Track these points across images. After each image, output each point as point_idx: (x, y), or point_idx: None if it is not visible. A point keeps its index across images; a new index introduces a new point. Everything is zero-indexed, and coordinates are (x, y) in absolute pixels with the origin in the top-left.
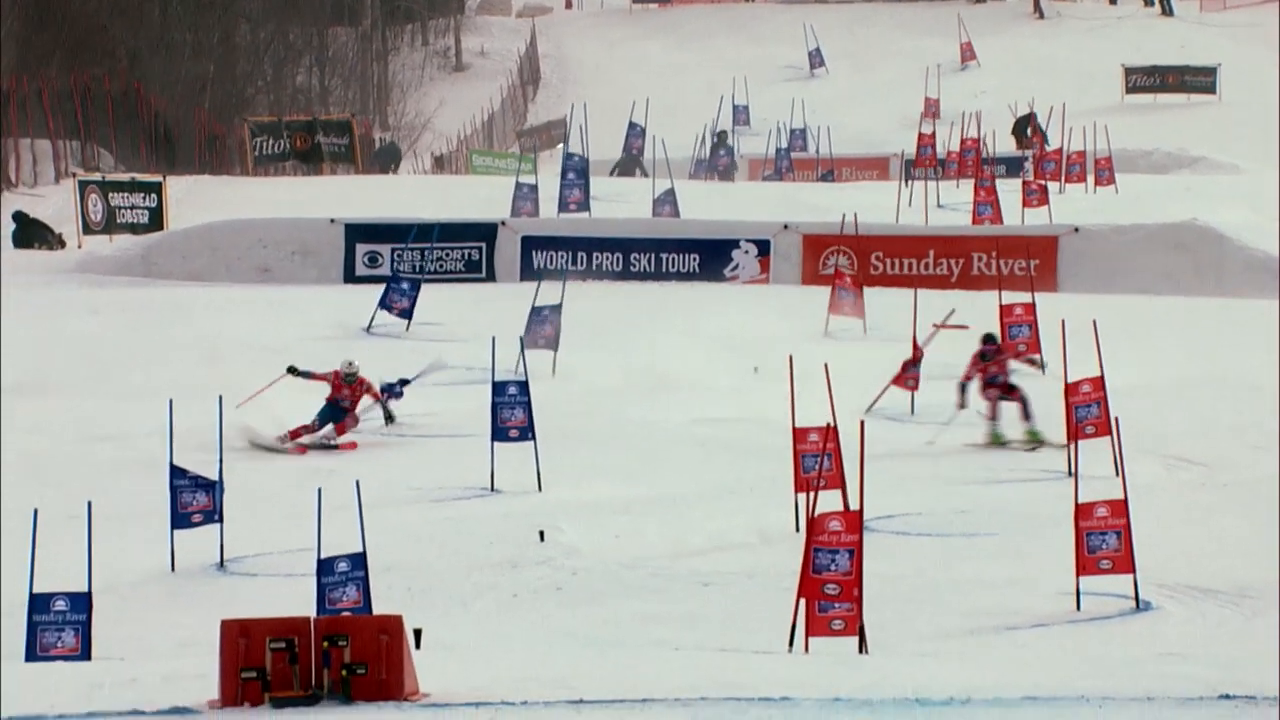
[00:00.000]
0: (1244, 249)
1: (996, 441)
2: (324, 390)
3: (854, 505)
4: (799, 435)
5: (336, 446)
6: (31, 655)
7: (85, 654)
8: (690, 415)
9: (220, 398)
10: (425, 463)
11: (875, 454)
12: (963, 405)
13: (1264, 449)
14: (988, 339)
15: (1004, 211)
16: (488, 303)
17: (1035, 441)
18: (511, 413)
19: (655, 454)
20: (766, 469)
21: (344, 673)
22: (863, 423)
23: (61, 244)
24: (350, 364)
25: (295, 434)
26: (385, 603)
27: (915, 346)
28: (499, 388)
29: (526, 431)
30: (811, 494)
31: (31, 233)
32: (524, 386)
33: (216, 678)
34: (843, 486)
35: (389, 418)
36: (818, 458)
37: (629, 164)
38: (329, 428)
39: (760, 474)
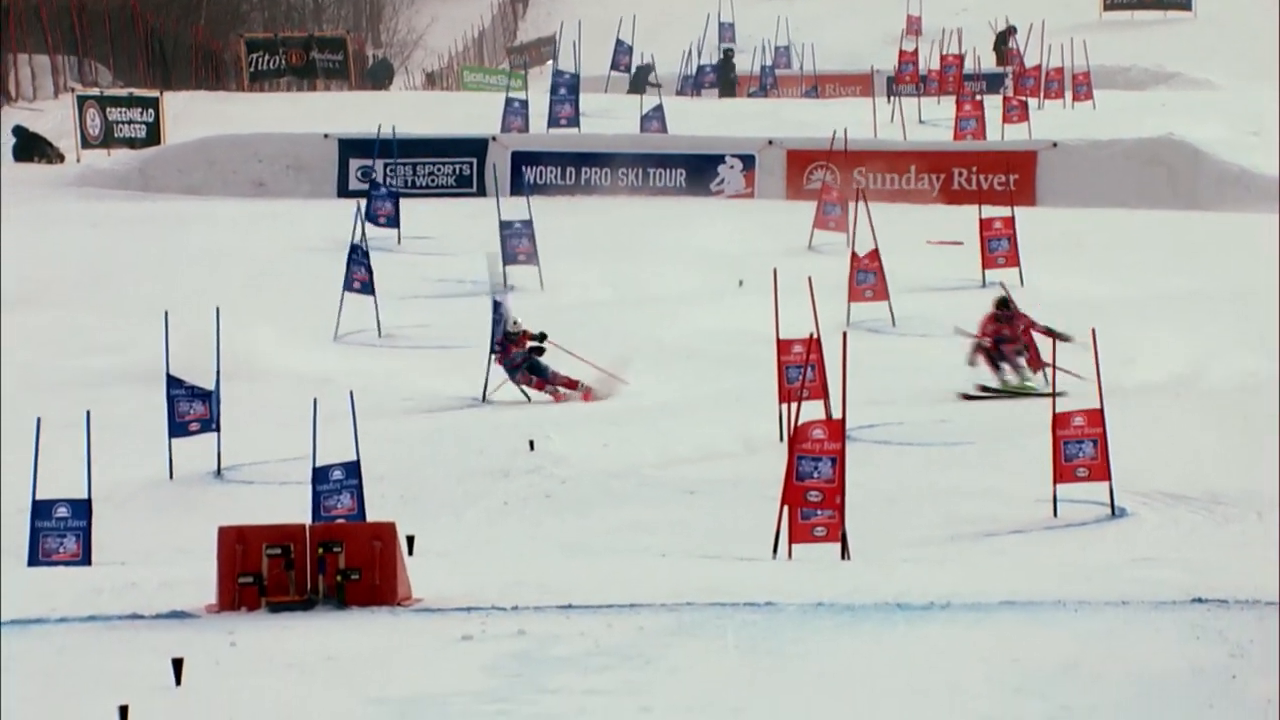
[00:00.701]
0: (1219, 163)
1: (1009, 389)
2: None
3: (836, 415)
4: (783, 347)
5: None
6: (34, 560)
7: (86, 559)
8: (676, 327)
9: (217, 309)
10: (418, 373)
11: (857, 365)
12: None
13: (1233, 355)
14: (1001, 304)
15: (986, 127)
16: (479, 217)
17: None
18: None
19: (643, 365)
20: (751, 380)
21: (339, 578)
22: (845, 334)
23: (60, 158)
24: (515, 322)
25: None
26: (379, 510)
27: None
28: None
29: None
30: (795, 404)
31: (31, 147)
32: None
33: (214, 583)
34: (825, 397)
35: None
36: (801, 369)
37: (639, 82)
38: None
39: (745, 385)
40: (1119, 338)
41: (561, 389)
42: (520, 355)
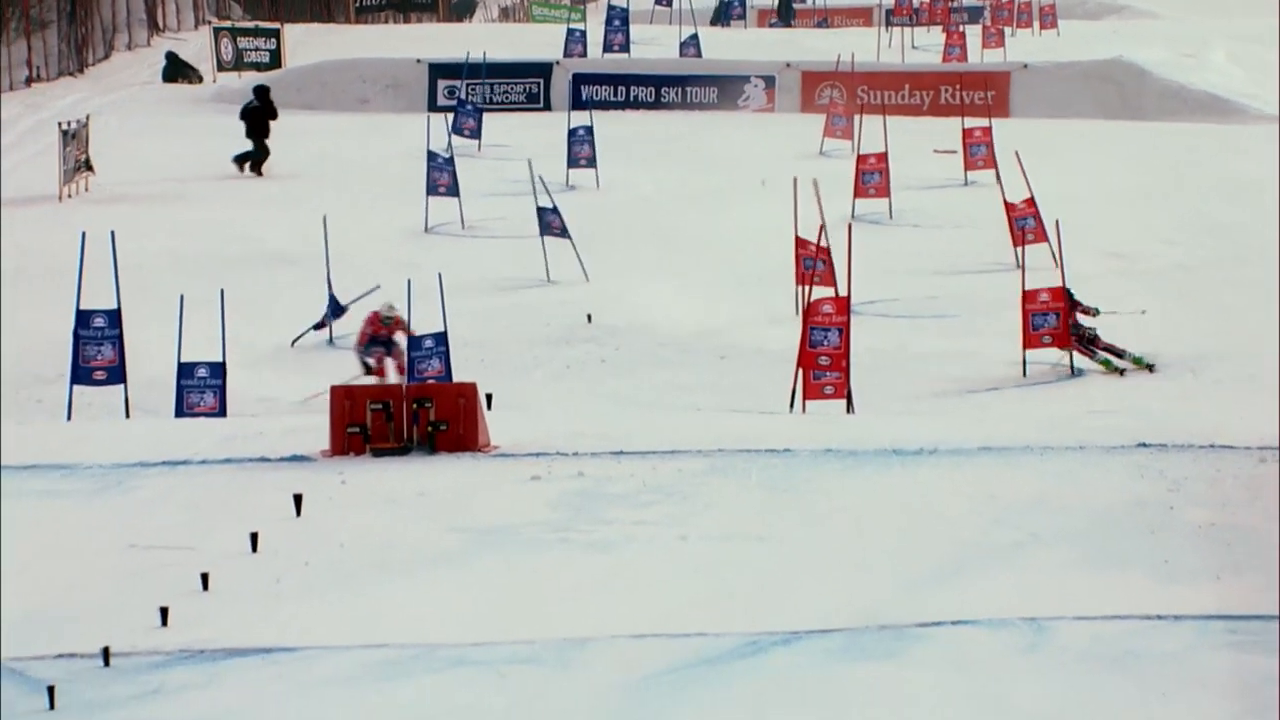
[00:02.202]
0: (1160, 80)
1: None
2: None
3: (843, 292)
4: (800, 243)
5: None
6: (179, 412)
7: (222, 411)
8: (710, 220)
9: (324, 216)
10: (493, 258)
11: (861, 251)
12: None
13: (1171, 243)
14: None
15: (968, 51)
16: (544, 128)
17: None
18: (554, 216)
19: (683, 251)
20: (773, 263)
21: (429, 429)
22: (850, 225)
23: (200, 79)
24: (390, 307)
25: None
26: (463, 372)
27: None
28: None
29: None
30: (808, 286)
31: (178, 70)
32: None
33: (328, 432)
34: (833, 279)
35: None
36: (813, 262)
37: (719, 17)
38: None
39: (768, 268)
40: (1078, 225)
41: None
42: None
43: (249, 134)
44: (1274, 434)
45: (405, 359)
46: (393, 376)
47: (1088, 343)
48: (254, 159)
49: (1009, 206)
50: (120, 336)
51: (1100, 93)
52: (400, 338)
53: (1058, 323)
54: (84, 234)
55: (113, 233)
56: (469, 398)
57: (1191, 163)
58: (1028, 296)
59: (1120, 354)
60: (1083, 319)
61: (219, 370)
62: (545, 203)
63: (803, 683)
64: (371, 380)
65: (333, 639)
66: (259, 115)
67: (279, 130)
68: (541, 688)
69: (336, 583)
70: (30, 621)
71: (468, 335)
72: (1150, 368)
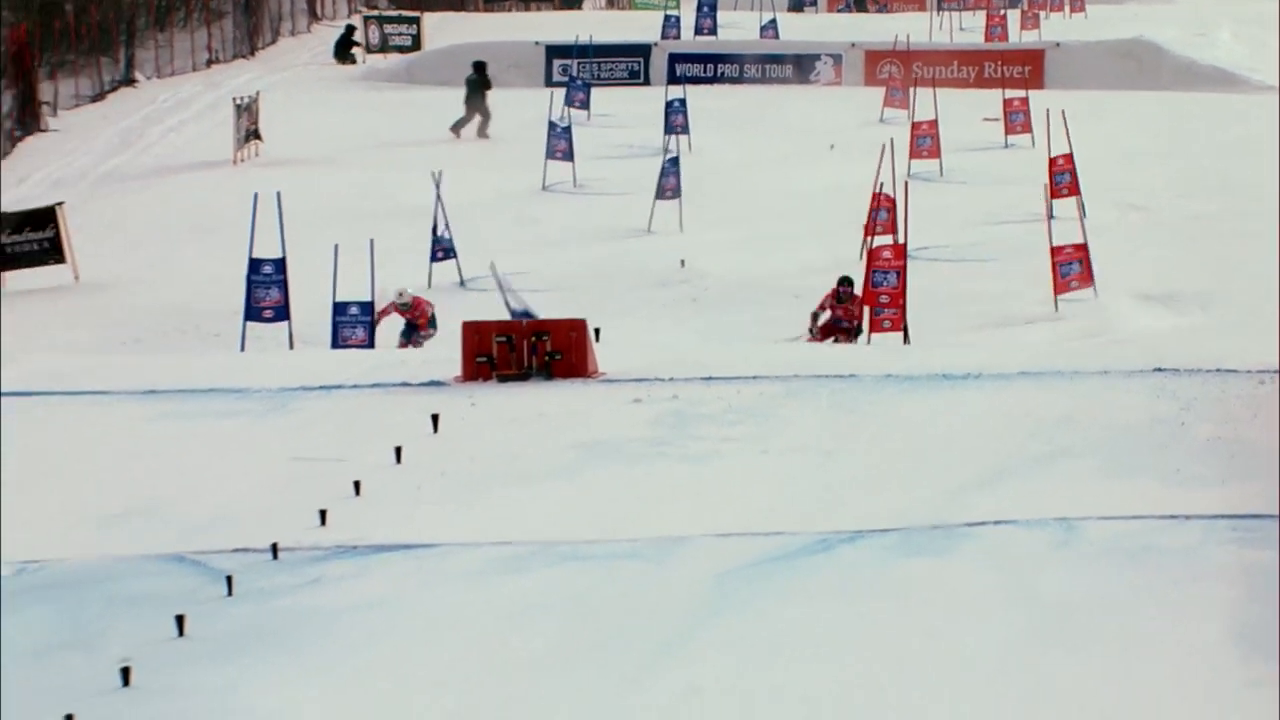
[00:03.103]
0: (1175, 56)
1: None
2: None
3: (900, 240)
4: (875, 199)
5: None
6: (334, 345)
7: (370, 344)
8: (786, 179)
9: (438, 172)
10: (601, 212)
11: (915, 205)
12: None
13: (1183, 196)
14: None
15: (1009, 32)
16: (644, 101)
17: None
18: (667, 180)
19: (763, 205)
20: (841, 217)
21: (546, 358)
22: (906, 183)
23: (354, 60)
24: (401, 293)
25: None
26: (574, 310)
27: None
28: (666, 165)
29: (678, 191)
30: (871, 235)
31: (344, 47)
32: (676, 161)
33: (460, 362)
34: (893, 229)
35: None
36: (879, 212)
37: (795, 3)
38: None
39: (837, 220)
40: (1103, 182)
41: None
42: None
43: (467, 102)
44: (1273, 359)
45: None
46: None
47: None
48: (478, 124)
49: (1051, 162)
50: (285, 280)
51: (1122, 67)
52: (428, 311)
53: (1082, 268)
54: (256, 195)
55: (278, 193)
56: (580, 331)
57: (1201, 128)
58: (1055, 251)
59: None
60: None
61: (368, 309)
62: (670, 165)
63: (865, 575)
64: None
65: (464, 537)
66: (476, 86)
67: (415, 104)
68: (643, 579)
69: (468, 490)
70: (211, 522)
71: (579, 278)
72: None
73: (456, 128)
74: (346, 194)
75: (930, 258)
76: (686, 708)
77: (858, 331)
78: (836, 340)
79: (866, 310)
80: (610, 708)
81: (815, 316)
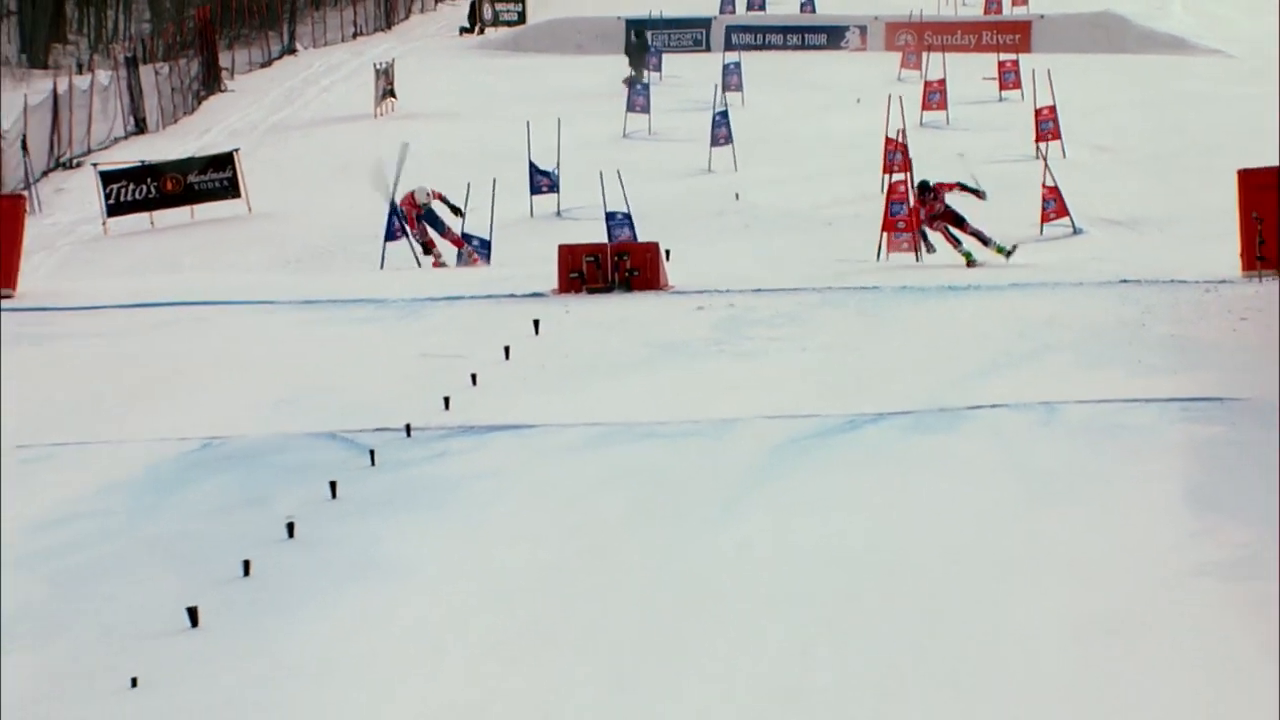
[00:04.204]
0: (1137, 25)
1: (970, 261)
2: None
3: (914, 176)
4: (888, 142)
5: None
6: (458, 263)
7: (487, 261)
8: (822, 126)
9: (558, 119)
10: (666, 155)
11: (926, 150)
12: (928, 249)
13: (1147, 136)
14: (922, 186)
15: (1003, 6)
16: (706, 64)
17: (1002, 252)
18: (718, 130)
19: (802, 149)
20: (863, 158)
21: (626, 274)
22: (911, 129)
23: (482, 30)
24: (422, 189)
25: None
26: (647, 235)
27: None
28: (716, 118)
29: (730, 138)
30: (890, 173)
31: (478, 16)
32: (725, 114)
33: (556, 277)
34: (908, 167)
35: (456, 210)
36: (894, 154)
37: None
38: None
39: (860, 160)
40: (1078, 129)
41: (449, 245)
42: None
43: (630, 64)
44: (1217, 272)
45: (456, 232)
46: (449, 252)
47: (956, 224)
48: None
49: (1036, 112)
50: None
51: (1094, 35)
52: (440, 208)
53: (1057, 203)
54: (405, 144)
55: (405, 144)
56: (653, 252)
57: (1159, 83)
58: (1047, 191)
59: (985, 241)
60: (953, 201)
61: (486, 243)
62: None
63: (886, 449)
64: (429, 261)
65: (561, 419)
66: (637, 49)
67: (521, 68)
68: (704, 453)
69: (563, 380)
70: (356, 406)
71: (653, 209)
72: (1009, 254)
73: (629, 81)
74: (465, 141)
75: None
76: (741, 556)
77: (955, 217)
78: (948, 229)
79: (885, 235)
80: (678, 557)
81: (922, 235)
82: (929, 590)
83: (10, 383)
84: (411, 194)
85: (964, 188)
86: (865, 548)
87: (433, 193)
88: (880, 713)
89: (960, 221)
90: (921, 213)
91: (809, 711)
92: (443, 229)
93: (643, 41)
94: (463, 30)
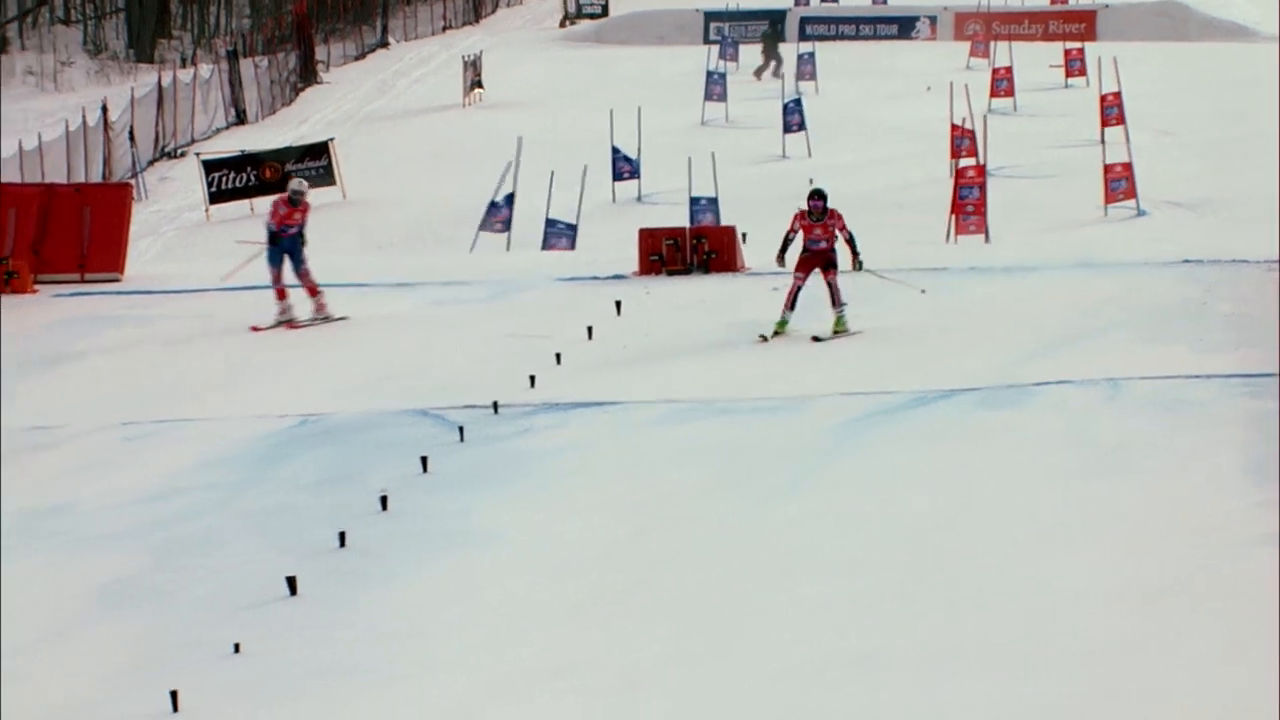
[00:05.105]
0: (1200, 14)
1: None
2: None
3: (982, 161)
4: (954, 129)
5: (328, 319)
6: (544, 247)
7: (572, 246)
8: (892, 114)
9: (639, 108)
10: (743, 142)
11: (995, 134)
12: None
13: (1209, 121)
14: (817, 193)
15: None
16: (781, 54)
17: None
18: (791, 117)
19: (873, 135)
20: (932, 144)
21: (705, 257)
22: (985, 117)
23: (574, 22)
24: (300, 181)
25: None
26: (724, 219)
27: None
28: (789, 105)
29: (803, 125)
30: (958, 159)
31: (576, 9)
32: (798, 102)
33: (636, 260)
34: (975, 152)
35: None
36: (961, 140)
37: None
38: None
39: (929, 146)
40: (1142, 114)
41: (302, 290)
42: (294, 230)
43: (764, 52)
44: (1273, 253)
45: (310, 274)
46: (294, 299)
47: (827, 270)
48: (773, 67)
49: (1102, 99)
50: (512, 205)
51: (1158, 23)
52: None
53: (1126, 184)
54: (520, 138)
55: (519, 137)
56: (730, 236)
57: (1221, 70)
58: (1107, 170)
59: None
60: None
61: (573, 226)
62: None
63: (955, 424)
64: (276, 308)
65: (642, 395)
66: (771, 39)
67: (604, 59)
68: (778, 428)
69: (643, 359)
70: (446, 385)
71: (729, 194)
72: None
73: (758, 72)
74: (549, 130)
75: (1006, 175)
76: (813, 525)
77: (831, 260)
78: (815, 268)
79: (953, 218)
80: (753, 525)
81: (786, 243)
82: (996, 559)
83: (117, 361)
84: (283, 196)
85: (852, 243)
86: (933, 519)
87: (306, 203)
88: (949, 675)
89: (832, 268)
90: (796, 227)
91: (878, 675)
92: (299, 263)
93: (776, 33)
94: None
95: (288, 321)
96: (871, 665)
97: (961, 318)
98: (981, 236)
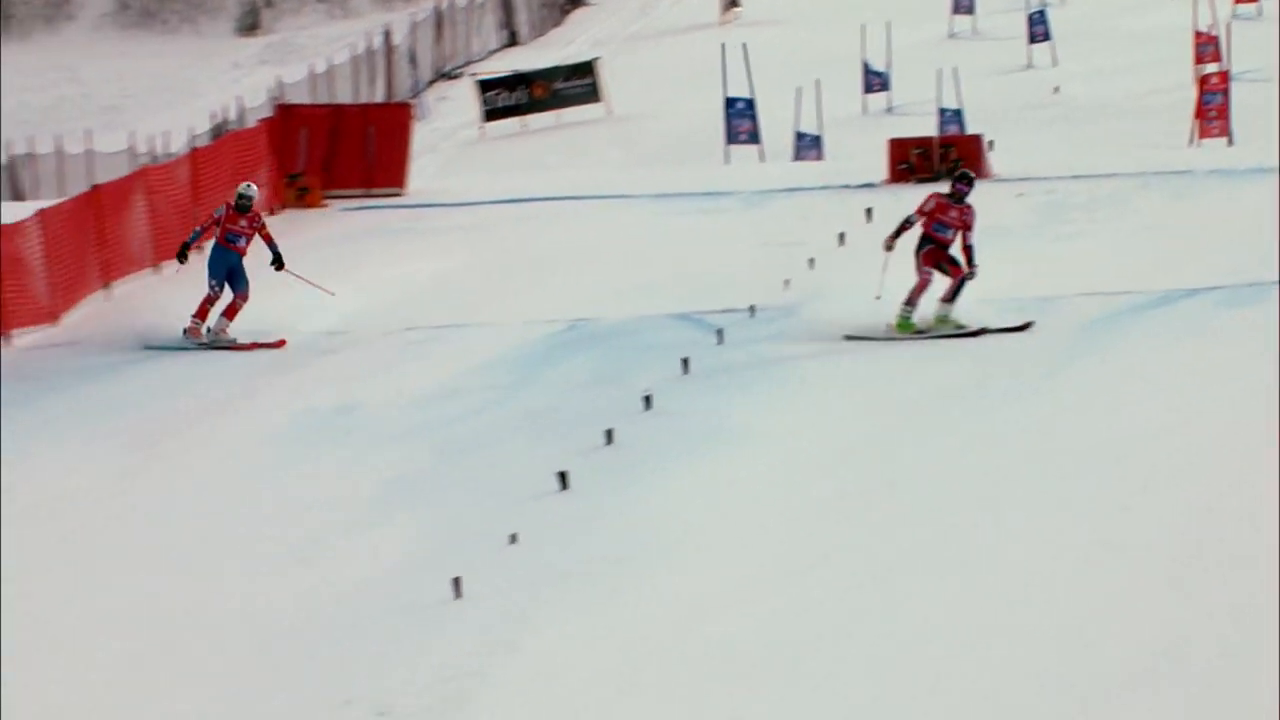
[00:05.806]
0: None
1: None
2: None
3: (1226, 67)
4: (1197, 36)
5: (247, 345)
6: (795, 158)
7: (820, 156)
8: (1136, 21)
9: (888, 23)
10: (989, 54)
11: (1239, 38)
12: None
13: None
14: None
15: None
16: None
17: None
18: (1036, 28)
19: (1118, 43)
20: (1175, 51)
21: (952, 164)
22: (1229, 24)
23: None
24: (248, 186)
25: (200, 313)
26: (972, 128)
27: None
28: (1034, 17)
29: (1048, 35)
30: (1202, 63)
31: None
32: (1043, 13)
33: (886, 168)
34: (1218, 58)
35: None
36: (1205, 46)
37: None
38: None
39: (1173, 53)
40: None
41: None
42: (243, 243)
43: None
44: None
45: (242, 303)
46: (220, 317)
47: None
48: None
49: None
50: (754, 113)
51: None
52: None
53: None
54: (745, 45)
55: (744, 45)
56: (977, 144)
57: None
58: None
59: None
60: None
61: (818, 140)
62: (1037, 16)
63: (1198, 321)
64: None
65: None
66: None
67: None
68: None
69: (895, 263)
70: (704, 289)
71: (976, 104)
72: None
73: None
74: (802, 46)
75: (1251, 79)
76: (1057, 421)
77: (953, 258)
78: (939, 266)
79: (1196, 123)
80: (1002, 417)
81: (903, 228)
82: (1240, 460)
83: (399, 270)
84: (226, 205)
85: (969, 250)
86: (1179, 416)
87: (256, 209)
88: (1177, 577)
89: (953, 265)
90: (927, 209)
91: (1130, 565)
92: (241, 285)
93: None
94: None
95: (228, 343)
96: (1126, 558)
97: (1204, 219)
98: (1225, 140)
